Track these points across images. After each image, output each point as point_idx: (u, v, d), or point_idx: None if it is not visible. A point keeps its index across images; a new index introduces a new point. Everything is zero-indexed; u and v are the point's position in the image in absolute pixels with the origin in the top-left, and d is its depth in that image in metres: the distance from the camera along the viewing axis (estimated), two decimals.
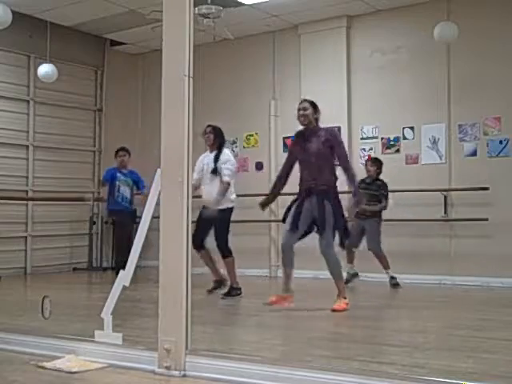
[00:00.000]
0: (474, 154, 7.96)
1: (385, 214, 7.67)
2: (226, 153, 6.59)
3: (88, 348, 3.77)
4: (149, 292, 5.99)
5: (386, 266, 7.32)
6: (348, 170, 5.67)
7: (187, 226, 3.42)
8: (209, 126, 6.65)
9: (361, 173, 7.19)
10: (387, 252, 7.39)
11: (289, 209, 5.70)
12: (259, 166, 9.49)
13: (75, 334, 4.05)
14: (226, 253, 6.43)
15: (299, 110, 5.68)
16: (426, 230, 8.10)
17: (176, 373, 3.37)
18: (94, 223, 9.99)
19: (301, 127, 5.78)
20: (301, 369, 3.18)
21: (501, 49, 7.75)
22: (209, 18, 6.98)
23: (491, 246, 7.58)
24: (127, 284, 3.74)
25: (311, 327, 4.94)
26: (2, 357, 3.90)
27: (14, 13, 7.50)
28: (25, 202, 9.32)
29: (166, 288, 3.46)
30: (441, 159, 8.18)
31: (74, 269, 9.70)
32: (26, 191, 9.40)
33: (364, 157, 8.51)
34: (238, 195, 7.38)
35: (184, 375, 3.37)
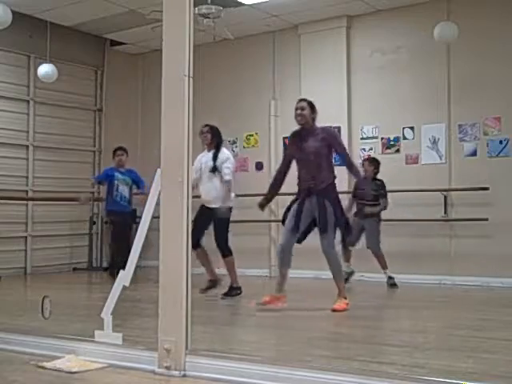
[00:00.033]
0: (473, 154, 7.96)
1: (385, 214, 7.67)
2: (225, 151, 6.60)
3: (88, 348, 3.77)
4: (149, 292, 5.98)
5: (384, 266, 7.32)
6: (352, 166, 5.83)
7: (187, 225, 3.43)
8: (206, 125, 6.63)
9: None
10: (387, 252, 7.39)
11: (288, 209, 5.70)
12: (259, 166, 9.49)
13: (75, 334, 4.05)
14: (226, 252, 6.42)
15: (297, 109, 5.68)
16: (425, 230, 8.10)
17: (176, 373, 3.37)
18: (94, 223, 10.00)
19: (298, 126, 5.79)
20: (301, 369, 3.18)
21: (501, 49, 7.75)
22: (209, 17, 6.98)
23: (491, 246, 7.58)
24: (127, 284, 3.74)
25: (311, 327, 4.94)
26: (2, 357, 3.90)
27: (14, 13, 7.50)
28: (25, 201, 9.32)
29: (166, 288, 3.46)
30: (441, 159, 8.18)
31: (74, 269, 9.70)
32: (26, 191, 9.40)
33: (364, 157, 8.51)
34: (238, 195, 7.39)
35: (184, 375, 3.37)
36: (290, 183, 5.85)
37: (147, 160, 9.76)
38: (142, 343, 3.76)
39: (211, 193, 6.41)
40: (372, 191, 7.36)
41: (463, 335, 4.51)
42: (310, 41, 9.08)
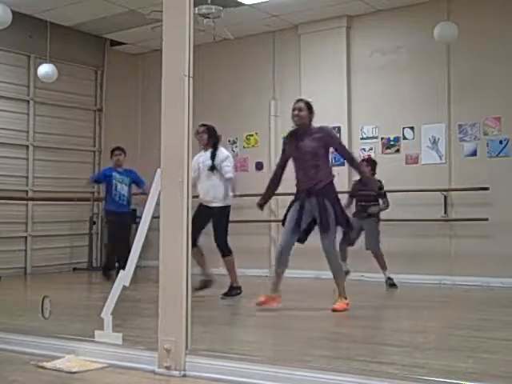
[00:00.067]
0: (474, 154, 7.97)
1: (385, 214, 7.67)
2: (223, 150, 6.60)
3: (88, 348, 3.77)
4: (149, 292, 5.97)
5: (383, 267, 7.32)
6: (353, 161, 5.91)
7: (187, 225, 3.43)
8: (202, 125, 6.61)
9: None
10: (388, 252, 7.38)
11: (288, 210, 5.69)
12: (259, 166, 9.49)
13: (75, 334, 4.05)
14: (225, 252, 6.40)
15: (294, 109, 5.69)
16: (426, 230, 8.10)
17: (176, 373, 3.37)
18: (94, 223, 10.00)
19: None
20: (301, 369, 3.18)
21: (501, 49, 7.75)
22: (209, 17, 6.98)
23: (491, 246, 7.58)
24: (127, 284, 3.74)
25: (311, 327, 4.94)
26: (2, 357, 3.90)
27: (14, 13, 7.50)
28: (25, 201, 9.32)
29: (166, 288, 3.46)
30: (441, 159, 8.18)
31: (74, 269, 9.70)
32: (26, 191, 9.41)
33: (363, 157, 8.51)
34: (236, 195, 7.39)
35: (184, 375, 3.37)
36: (290, 183, 5.85)
37: (147, 160, 9.75)
38: (142, 343, 3.76)
39: (210, 192, 6.41)
40: (369, 192, 7.34)
41: (463, 335, 4.51)
42: (310, 41, 9.08)
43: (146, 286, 6.63)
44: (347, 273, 7.48)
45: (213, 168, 6.41)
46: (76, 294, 7.40)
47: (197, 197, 6.29)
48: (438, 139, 8.20)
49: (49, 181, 9.49)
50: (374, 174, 7.45)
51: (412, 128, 8.39)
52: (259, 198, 6.07)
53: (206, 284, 6.45)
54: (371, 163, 7.52)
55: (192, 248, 6.25)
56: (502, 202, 7.62)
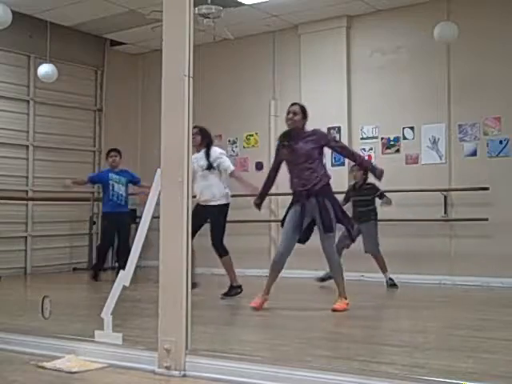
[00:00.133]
0: (474, 154, 7.97)
1: (385, 214, 7.68)
2: (216, 149, 6.57)
3: (88, 348, 3.77)
4: (149, 292, 5.97)
5: (383, 269, 7.30)
6: (353, 155, 6.00)
7: (187, 225, 3.43)
8: (195, 127, 6.60)
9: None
10: (388, 252, 7.38)
11: (287, 212, 5.69)
12: (259, 166, 9.49)
13: (75, 334, 4.05)
14: (221, 252, 6.36)
15: (289, 113, 5.70)
16: (426, 230, 8.10)
17: (176, 373, 3.37)
18: (94, 223, 9.99)
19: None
20: (301, 369, 3.18)
21: (501, 49, 7.75)
22: (209, 17, 6.97)
23: (491, 246, 7.58)
24: (127, 284, 3.74)
25: (311, 327, 4.94)
26: (2, 357, 3.90)
27: (14, 13, 7.49)
28: (25, 201, 9.32)
29: (166, 288, 3.46)
30: (441, 159, 8.18)
31: (74, 269, 9.70)
32: (26, 191, 9.41)
33: (364, 157, 8.52)
34: (238, 195, 7.39)
35: (184, 375, 3.37)
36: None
37: (147, 160, 9.79)
38: (142, 343, 3.76)
39: (206, 191, 6.39)
40: (363, 196, 7.33)
41: (463, 335, 4.51)
42: (310, 41, 9.08)
43: (145, 286, 6.64)
44: (331, 277, 7.50)
45: (210, 167, 6.41)
46: (76, 294, 7.40)
47: (194, 197, 6.28)
48: (438, 139, 8.20)
49: (49, 181, 9.49)
50: (366, 177, 7.43)
51: (412, 128, 8.39)
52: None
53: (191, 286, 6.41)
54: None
55: None
56: (501, 202, 7.62)
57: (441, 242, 8.01)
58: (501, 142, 7.80)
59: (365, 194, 7.33)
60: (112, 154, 8.38)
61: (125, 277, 3.74)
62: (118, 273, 3.89)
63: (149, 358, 3.50)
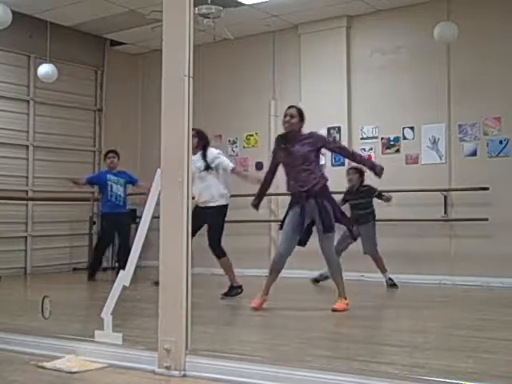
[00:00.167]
0: (474, 154, 7.97)
1: (385, 214, 7.68)
2: (212, 150, 6.53)
3: (88, 348, 3.77)
4: (149, 292, 5.98)
5: (383, 270, 7.30)
6: (354, 155, 6.03)
7: (187, 225, 3.43)
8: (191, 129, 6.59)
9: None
10: (387, 252, 7.39)
11: (287, 214, 5.69)
12: (259, 166, 9.48)
13: (75, 334, 4.05)
14: (219, 253, 6.35)
15: (285, 115, 5.70)
16: (426, 230, 8.10)
17: (176, 373, 3.37)
18: (94, 223, 9.99)
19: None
20: (301, 369, 3.18)
21: (501, 49, 7.75)
22: (209, 17, 6.97)
23: (491, 246, 7.58)
24: (127, 284, 3.74)
25: (311, 327, 4.94)
26: (2, 357, 3.90)
27: (14, 13, 7.49)
28: (25, 201, 9.32)
29: (166, 288, 3.46)
30: (441, 159, 8.18)
31: (74, 269, 9.70)
32: (26, 191, 9.41)
33: (365, 156, 8.52)
34: (237, 195, 7.39)
35: (184, 375, 3.37)
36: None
37: (147, 160, 9.79)
38: (142, 343, 3.76)
39: (205, 193, 6.38)
40: (360, 199, 7.33)
41: (463, 335, 4.51)
42: (310, 41, 9.08)
43: (145, 286, 6.64)
44: (327, 278, 7.51)
45: (207, 167, 6.39)
46: (76, 294, 7.40)
47: (193, 198, 6.27)
48: (438, 139, 8.20)
49: (49, 181, 9.49)
50: (362, 180, 7.43)
51: (412, 128, 8.39)
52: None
53: None
54: (360, 170, 7.50)
55: None
56: (501, 202, 7.62)
57: (441, 242, 8.01)
58: (501, 142, 7.80)
59: (362, 197, 7.34)
60: (110, 155, 8.42)
61: (125, 277, 3.74)
62: (118, 273, 3.89)
63: (149, 357, 3.50)
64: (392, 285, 7.26)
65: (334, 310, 5.42)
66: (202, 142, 6.51)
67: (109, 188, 8.21)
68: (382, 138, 8.61)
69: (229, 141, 9.72)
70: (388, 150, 8.56)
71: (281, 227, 5.76)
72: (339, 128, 8.80)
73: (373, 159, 8.31)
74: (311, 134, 5.72)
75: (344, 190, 7.60)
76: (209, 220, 6.33)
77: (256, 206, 5.99)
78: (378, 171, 5.85)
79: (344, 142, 8.73)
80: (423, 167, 8.28)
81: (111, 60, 10.45)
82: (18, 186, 9.25)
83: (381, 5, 8.45)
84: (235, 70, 9.70)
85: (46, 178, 9.49)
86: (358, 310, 5.59)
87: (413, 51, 8.39)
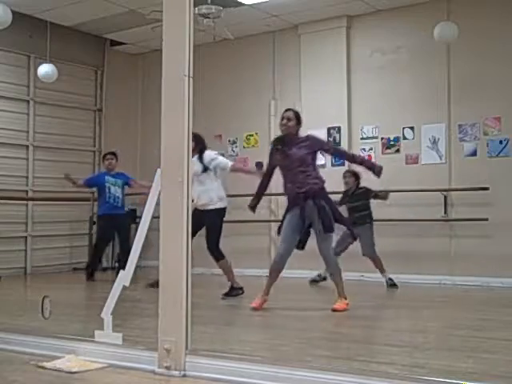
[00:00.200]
0: (474, 154, 7.97)
1: (385, 214, 7.68)
2: (208, 152, 6.51)
3: (88, 348, 3.77)
4: (149, 292, 5.97)
5: (382, 270, 7.30)
6: (355, 157, 6.12)
7: (187, 225, 3.43)
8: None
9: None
10: (387, 252, 7.39)
11: (285, 217, 5.69)
12: (259, 166, 9.46)
13: (75, 334, 4.06)
14: (217, 256, 6.35)
15: (283, 118, 5.70)
16: (426, 230, 8.10)
17: (176, 373, 3.37)
18: (94, 223, 9.98)
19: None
20: (301, 369, 3.18)
21: (501, 49, 7.75)
22: (209, 17, 6.97)
23: (491, 246, 7.58)
24: (127, 284, 3.74)
25: (311, 327, 4.94)
26: (2, 357, 3.90)
27: (14, 13, 7.49)
28: (25, 201, 9.32)
29: (166, 288, 3.46)
30: (441, 159, 8.18)
31: (74, 269, 9.70)
32: (26, 191, 9.41)
33: (364, 157, 8.53)
34: (237, 195, 7.39)
35: (184, 375, 3.37)
36: None
37: (147, 160, 9.79)
38: (142, 343, 3.76)
39: (203, 196, 6.36)
40: (356, 202, 7.33)
41: (463, 335, 4.51)
42: (310, 41, 9.08)
43: (142, 287, 6.63)
44: (324, 279, 7.52)
45: (205, 169, 6.38)
46: (76, 294, 7.40)
47: (192, 201, 6.26)
48: (438, 139, 8.20)
49: (49, 181, 9.48)
50: (358, 183, 7.44)
51: (412, 128, 8.39)
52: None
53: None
54: (355, 174, 7.49)
55: None
56: (502, 202, 7.62)
57: (441, 242, 8.01)
58: (501, 142, 7.80)
59: (359, 199, 7.35)
60: (108, 157, 8.45)
61: (125, 277, 3.74)
62: (118, 273, 3.89)
63: (149, 357, 3.50)
64: (392, 285, 7.27)
65: (334, 310, 5.42)
66: (199, 146, 6.48)
67: (107, 190, 8.23)
68: (382, 138, 8.61)
69: (229, 141, 9.72)
70: (388, 150, 8.56)
71: (278, 232, 5.75)
72: (339, 128, 8.80)
73: (373, 159, 8.37)
74: (308, 137, 5.72)
75: (340, 189, 7.59)
76: (207, 223, 6.32)
77: (253, 208, 5.99)
78: (376, 171, 5.85)
79: (344, 142, 8.75)
80: (423, 167, 8.28)
81: (111, 60, 10.45)
82: (17, 186, 9.26)
83: (381, 5, 8.45)
84: (235, 70, 9.70)
85: (45, 178, 9.49)
86: (357, 309, 5.59)
87: (413, 51, 8.39)
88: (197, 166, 6.37)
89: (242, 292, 6.40)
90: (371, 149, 8.65)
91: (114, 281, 3.79)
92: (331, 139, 8.82)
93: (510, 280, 7.31)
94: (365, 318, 5.38)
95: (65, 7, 8.61)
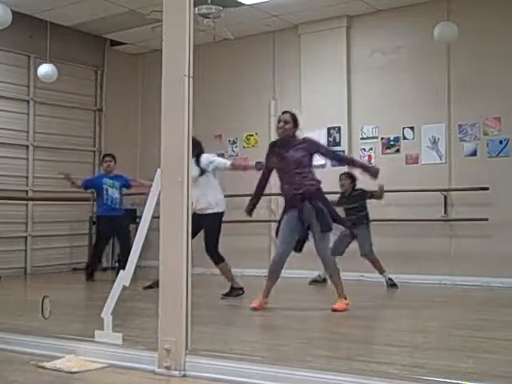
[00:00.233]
0: (474, 154, 7.97)
1: (385, 214, 7.68)
2: (205, 155, 6.48)
3: (88, 348, 3.77)
4: (149, 292, 5.99)
5: (381, 271, 7.30)
6: (353, 160, 6.20)
7: (187, 225, 3.43)
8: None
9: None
10: (387, 252, 7.39)
11: (282, 218, 5.69)
12: (259, 166, 9.46)
13: (75, 334, 4.06)
14: (216, 259, 6.36)
15: (279, 121, 5.71)
16: (426, 230, 8.10)
17: (176, 373, 3.37)
18: (94, 223, 9.98)
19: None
20: (301, 369, 3.18)
21: (501, 49, 7.75)
22: (209, 17, 6.97)
23: (491, 246, 7.58)
24: (127, 284, 3.74)
25: (311, 327, 4.94)
26: (2, 357, 3.90)
27: (14, 13, 7.49)
28: (25, 201, 9.32)
29: (166, 288, 3.46)
30: (441, 159, 8.18)
31: (74, 269, 9.70)
32: (26, 191, 9.41)
33: (364, 157, 8.54)
34: (237, 195, 7.39)
35: (184, 375, 3.37)
36: None
37: (147, 160, 9.79)
38: (142, 343, 3.76)
39: (202, 199, 6.36)
40: (353, 204, 7.32)
41: (463, 335, 4.51)
42: (310, 41, 9.08)
43: (140, 288, 6.62)
44: (323, 281, 7.52)
45: (202, 172, 6.36)
46: (76, 294, 7.40)
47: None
48: (438, 139, 8.20)
49: (49, 181, 9.47)
50: (354, 185, 7.44)
51: (412, 128, 8.39)
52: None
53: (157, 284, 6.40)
54: (351, 176, 7.49)
55: None
56: (502, 202, 7.62)
57: (441, 242, 8.01)
58: (501, 142, 7.80)
59: (355, 201, 7.35)
60: (107, 159, 8.47)
61: (125, 277, 3.74)
62: (118, 273, 3.89)
63: (149, 357, 3.50)
64: (392, 285, 7.27)
65: (334, 310, 5.42)
66: (196, 150, 6.45)
67: (104, 191, 8.24)
68: (382, 138, 8.61)
69: (229, 141, 9.72)
70: (388, 150, 8.56)
71: (276, 235, 5.75)
72: (339, 128, 8.80)
73: (373, 159, 8.40)
74: (305, 140, 5.73)
75: (338, 190, 7.60)
76: (206, 226, 6.32)
77: (250, 212, 5.98)
78: (373, 172, 5.84)
79: (344, 142, 8.76)
80: (423, 167, 8.28)
81: (111, 60, 10.45)
82: (17, 186, 9.26)
83: (381, 5, 8.45)
84: (235, 70, 9.70)
85: (45, 178, 9.48)
86: (358, 309, 5.59)
87: (413, 51, 8.39)
88: (194, 170, 6.35)
89: (242, 292, 6.41)
90: (371, 149, 8.65)
91: (113, 281, 3.79)
92: (331, 139, 8.82)
93: (510, 280, 7.31)
94: (365, 318, 5.38)
95: (65, 7, 8.61)
